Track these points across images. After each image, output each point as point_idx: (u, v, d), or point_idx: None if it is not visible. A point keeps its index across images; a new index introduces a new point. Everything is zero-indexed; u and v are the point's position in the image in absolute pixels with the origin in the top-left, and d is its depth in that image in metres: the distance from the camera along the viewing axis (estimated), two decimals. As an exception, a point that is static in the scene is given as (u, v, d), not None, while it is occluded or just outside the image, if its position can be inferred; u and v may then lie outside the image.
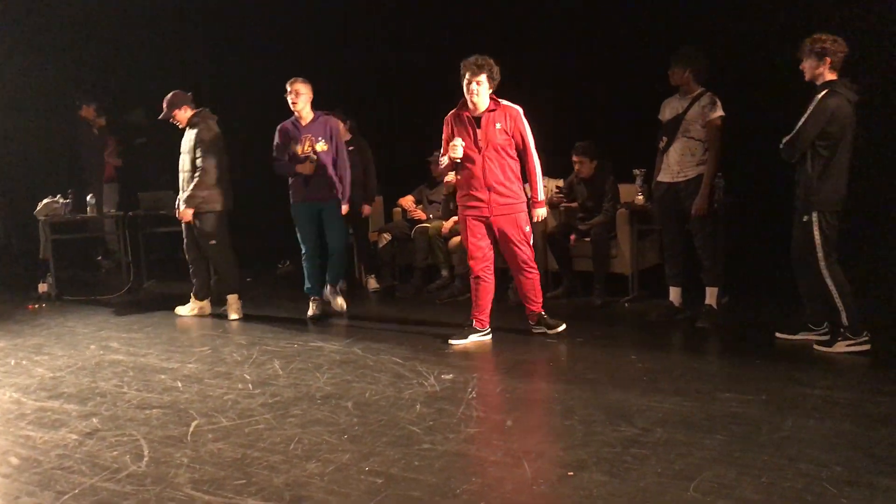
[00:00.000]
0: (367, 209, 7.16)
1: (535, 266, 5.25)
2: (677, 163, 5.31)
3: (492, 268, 5.26)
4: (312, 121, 5.95)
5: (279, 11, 8.56)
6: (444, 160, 5.14)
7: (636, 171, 6.05)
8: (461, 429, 3.67)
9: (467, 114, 5.04)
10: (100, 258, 9.31)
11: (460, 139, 5.00)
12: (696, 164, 5.27)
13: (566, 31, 7.18)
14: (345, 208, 6.17)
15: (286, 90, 5.89)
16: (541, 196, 5.20)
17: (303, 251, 6.14)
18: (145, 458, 3.49)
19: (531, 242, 5.19)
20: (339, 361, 4.97)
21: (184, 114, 6.16)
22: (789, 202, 4.71)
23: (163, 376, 4.78)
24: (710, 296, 5.43)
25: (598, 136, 6.44)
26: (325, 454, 3.45)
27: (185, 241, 6.37)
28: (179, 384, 4.62)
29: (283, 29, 8.57)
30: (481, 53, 4.93)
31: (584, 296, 6.45)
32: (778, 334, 4.90)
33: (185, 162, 6.19)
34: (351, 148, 7.03)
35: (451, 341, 5.21)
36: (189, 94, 6.23)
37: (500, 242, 5.17)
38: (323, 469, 3.29)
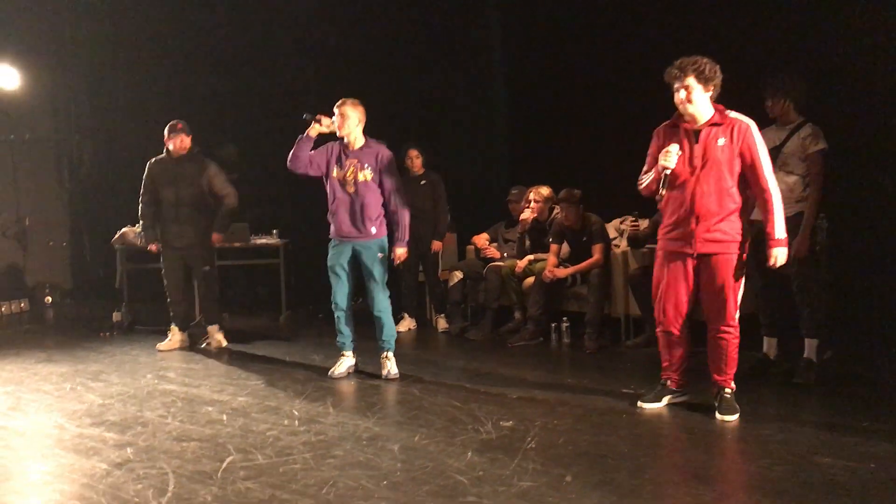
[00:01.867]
0: (436, 245, 6.86)
1: (737, 326, 4.19)
2: (774, 199, 4.80)
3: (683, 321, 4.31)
4: (363, 146, 5.20)
5: (365, 60, 8.46)
6: (650, 175, 4.23)
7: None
8: (513, 482, 3.27)
9: (686, 125, 4.11)
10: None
11: (676, 146, 4.08)
12: (794, 200, 4.76)
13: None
14: (402, 252, 5.26)
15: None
16: (779, 233, 4.05)
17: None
18: (168, 494, 3.23)
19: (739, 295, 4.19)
20: (394, 402, 4.65)
21: (182, 143, 6.35)
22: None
23: (209, 408, 4.56)
24: (810, 348, 4.85)
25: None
26: (358, 500, 3.11)
27: (166, 269, 6.46)
28: (224, 417, 4.38)
29: (362, 69, 8.48)
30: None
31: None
32: None
33: (186, 193, 6.30)
34: (423, 182, 6.82)
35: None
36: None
37: (703, 287, 4.21)
38: (353, 517, 2.95)
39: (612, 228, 6.71)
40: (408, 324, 6.95)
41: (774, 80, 4.82)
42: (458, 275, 6.94)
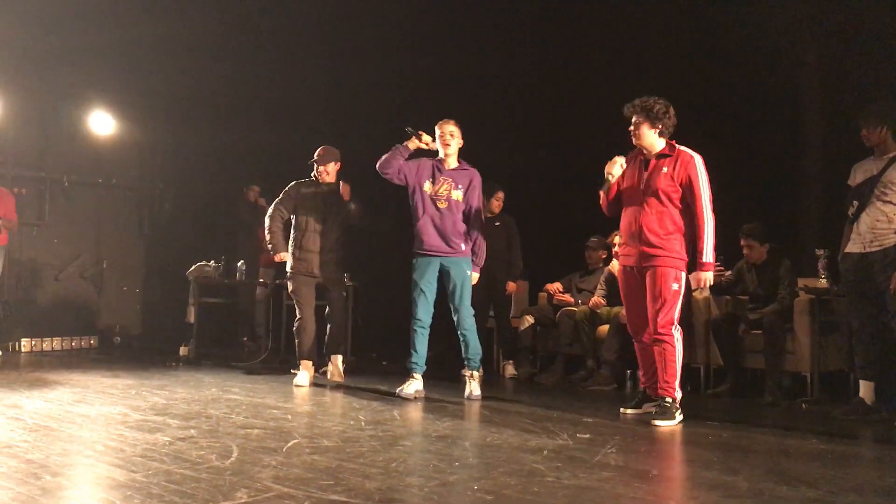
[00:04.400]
0: (511, 286, 6.74)
1: (674, 335, 4.41)
2: (870, 230, 4.59)
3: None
4: (458, 167, 5.28)
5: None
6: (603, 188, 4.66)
7: (818, 252, 5.32)
8: (595, 471, 3.03)
9: (643, 156, 4.59)
10: (245, 338, 9.32)
11: (623, 158, 4.58)
12: (893, 231, 4.53)
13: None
14: (475, 276, 5.29)
15: (435, 132, 5.28)
16: (707, 258, 4.40)
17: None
18: (232, 458, 3.09)
19: (679, 306, 4.44)
20: (463, 416, 4.47)
21: (333, 168, 6.05)
22: None
23: (275, 411, 4.43)
24: (913, 392, 4.52)
25: (769, 216, 5.79)
26: (430, 472, 2.92)
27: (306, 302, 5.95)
28: (290, 416, 4.25)
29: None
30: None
31: (753, 396, 5.61)
32: None
33: (331, 223, 5.94)
34: (497, 224, 6.74)
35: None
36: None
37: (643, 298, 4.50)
38: (424, 483, 2.76)
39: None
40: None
41: (871, 108, 4.69)
42: (530, 320, 6.76)
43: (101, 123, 9.38)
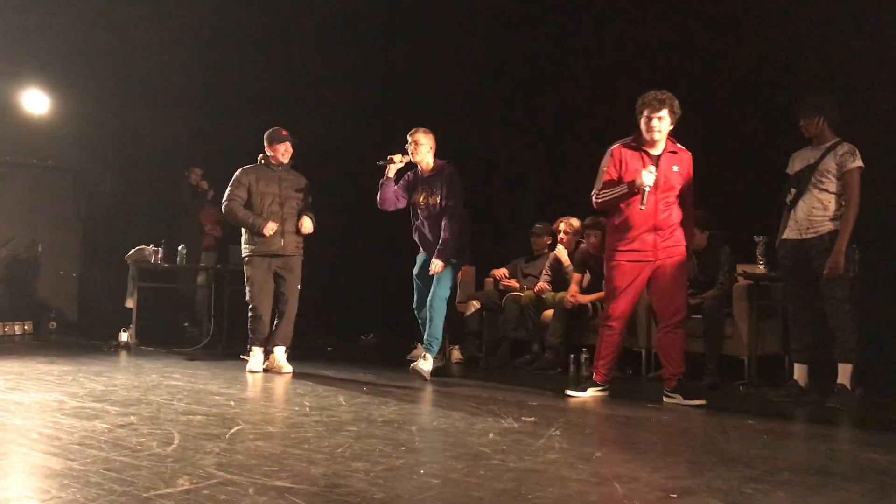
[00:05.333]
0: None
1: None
2: (807, 217, 4.72)
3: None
4: (433, 171, 5.61)
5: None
6: (616, 191, 4.55)
7: (757, 238, 5.45)
8: (540, 454, 3.06)
9: (647, 150, 4.60)
10: (186, 324, 9.16)
11: (653, 166, 4.48)
12: (829, 218, 4.66)
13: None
14: (439, 265, 5.46)
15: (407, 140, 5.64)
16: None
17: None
18: (173, 445, 3.03)
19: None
20: (409, 400, 4.46)
21: (287, 151, 5.88)
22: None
23: (218, 397, 4.36)
24: (843, 374, 4.64)
25: (707, 204, 5.88)
26: (376, 457, 2.91)
27: (258, 288, 5.79)
28: (233, 402, 4.18)
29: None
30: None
31: (691, 379, 5.72)
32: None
33: (291, 203, 5.84)
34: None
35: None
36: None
37: (658, 288, 4.65)
38: (370, 467, 2.74)
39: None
40: (420, 352, 6.72)
41: (809, 100, 4.81)
42: (476, 305, 6.79)
43: (36, 102, 9.06)
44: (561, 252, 6.59)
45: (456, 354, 6.74)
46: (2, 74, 8.93)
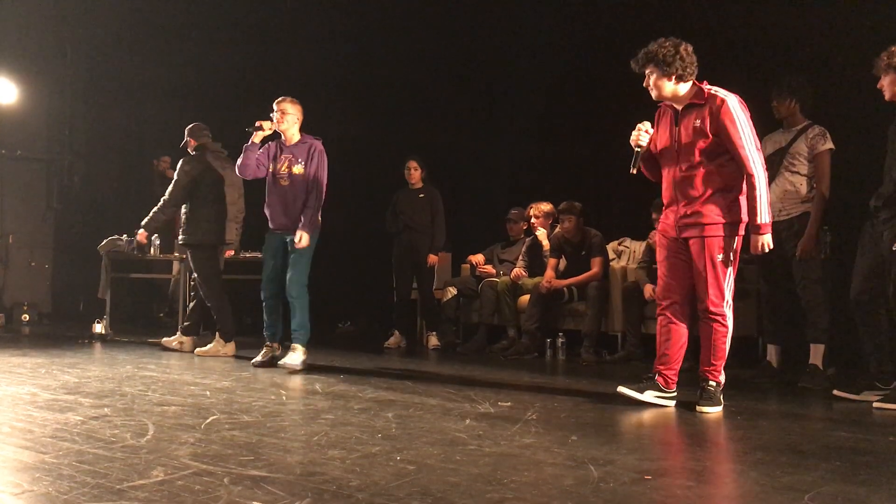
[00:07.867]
0: (432, 258, 6.74)
1: (726, 314, 3.87)
2: (779, 200, 4.76)
3: (685, 308, 3.98)
4: (298, 142, 5.42)
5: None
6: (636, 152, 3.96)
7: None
8: (516, 438, 3.08)
9: (672, 110, 3.90)
10: (162, 315, 9.08)
11: (648, 123, 3.94)
12: (800, 201, 4.72)
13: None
14: (305, 238, 5.22)
15: (272, 109, 5.42)
16: (762, 218, 3.74)
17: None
18: (147, 437, 3.01)
19: (727, 281, 3.86)
20: (386, 388, 4.45)
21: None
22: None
23: (193, 388, 4.34)
24: (815, 354, 4.72)
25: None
26: (352, 445, 2.91)
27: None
28: (208, 392, 4.16)
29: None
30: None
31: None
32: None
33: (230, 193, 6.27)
34: (421, 195, 6.76)
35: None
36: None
37: (691, 271, 3.90)
38: (346, 455, 2.74)
39: (610, 250, 6.61)
40: (397, 340, 6.75)
41: (781, 81, 4.84)
42: (452, 291, 6.80)
43: (3, 91, 8.91)
44: (542, 236, 6.58)
45: (433, 341, 6.75)
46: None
